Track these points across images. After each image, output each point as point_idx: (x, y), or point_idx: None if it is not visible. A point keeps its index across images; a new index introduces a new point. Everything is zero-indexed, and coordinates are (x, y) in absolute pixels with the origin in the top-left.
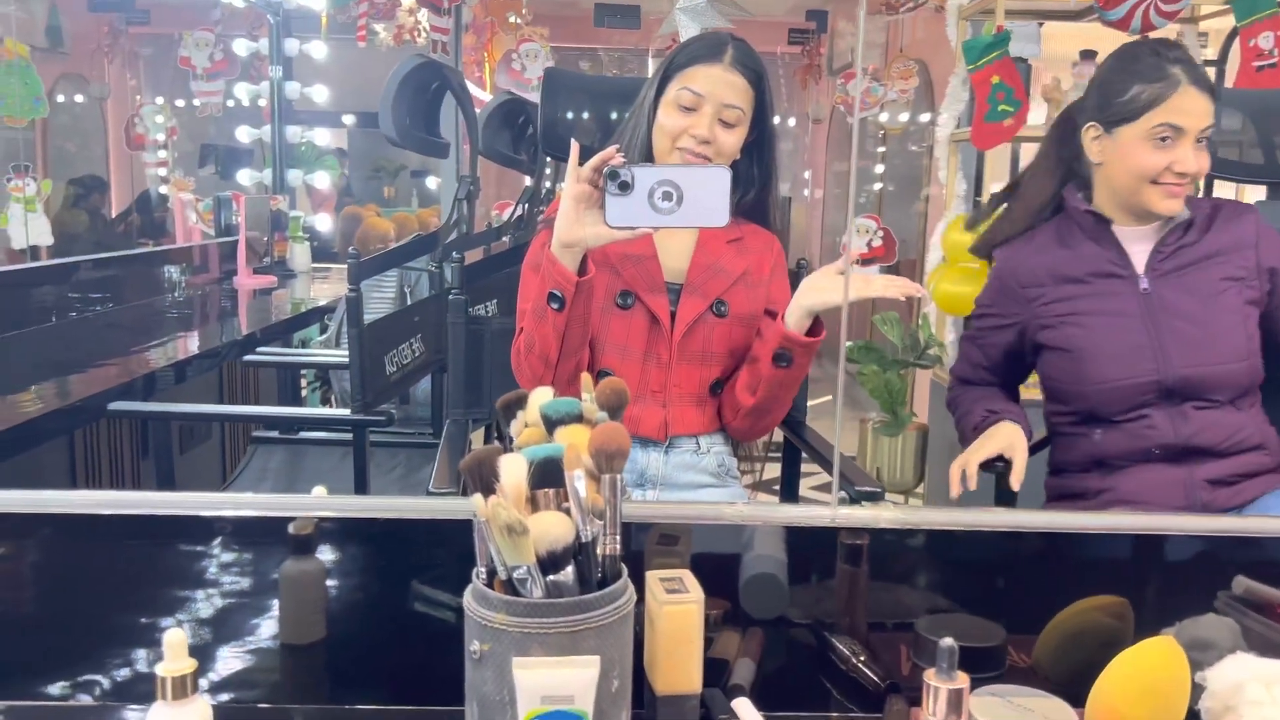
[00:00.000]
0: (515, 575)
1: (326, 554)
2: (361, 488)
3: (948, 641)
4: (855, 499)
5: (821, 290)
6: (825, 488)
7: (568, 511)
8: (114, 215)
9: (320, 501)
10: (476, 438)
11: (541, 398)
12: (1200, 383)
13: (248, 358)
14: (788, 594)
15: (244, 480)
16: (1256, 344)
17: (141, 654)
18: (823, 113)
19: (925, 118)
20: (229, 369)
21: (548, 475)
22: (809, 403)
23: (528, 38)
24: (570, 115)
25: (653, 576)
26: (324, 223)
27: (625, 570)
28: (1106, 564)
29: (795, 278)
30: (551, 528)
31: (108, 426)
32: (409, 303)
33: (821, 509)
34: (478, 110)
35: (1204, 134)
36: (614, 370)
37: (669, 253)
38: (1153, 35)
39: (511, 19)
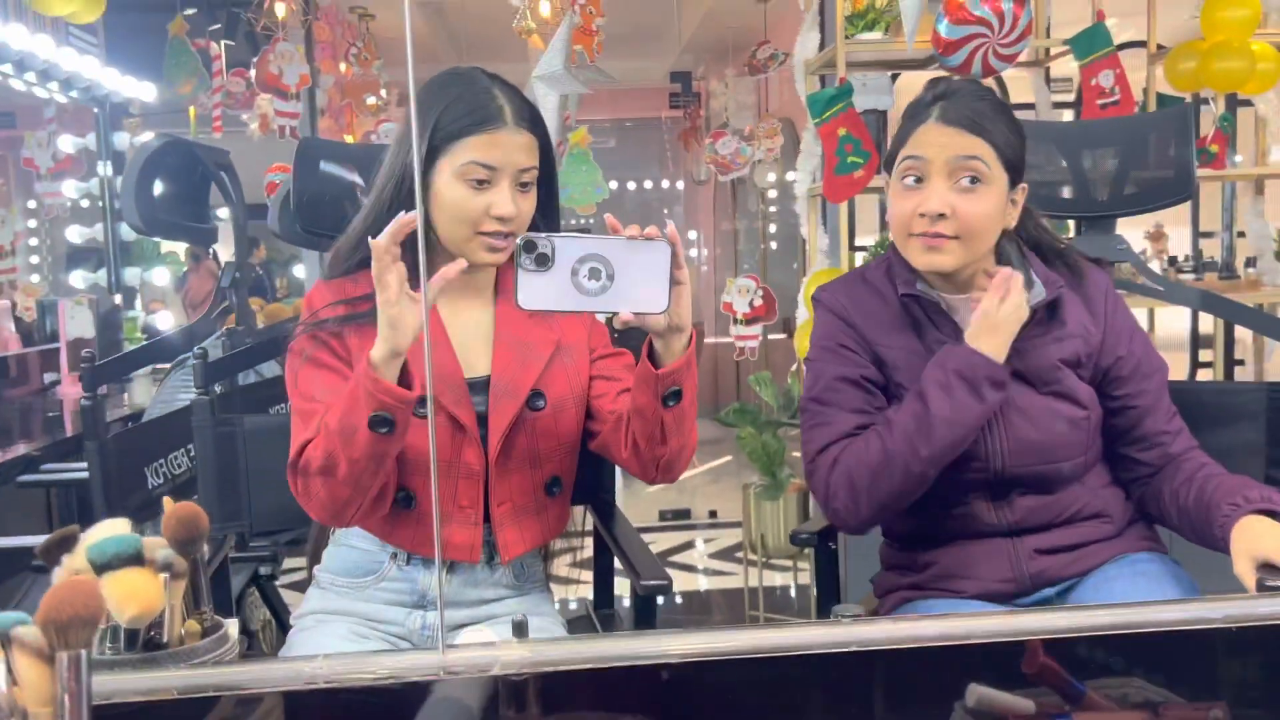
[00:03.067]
0: None
1: None
2: None
3: None
4: (643, 593)
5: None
6: (726, 553)
7: None
8: None
9: None
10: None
11: (96, 534)
12: (1029, 479)
13: (24, 478)
14: None
15: None
16: (1096, 434)
17: None
18: (706, 174)
19: (792, 176)
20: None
21: None
22: (703, 466)
23: (389, 118)
24: (329, 188)
25: None
26: (165, 321)
27: None
28: (813, 683)
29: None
30: None
31: None
32: None
33: (428, 656)
34: None
35: (959, 168)
36: (416, 491)
37: (464, 340)
38: (994, 78)
39: (370, 100)
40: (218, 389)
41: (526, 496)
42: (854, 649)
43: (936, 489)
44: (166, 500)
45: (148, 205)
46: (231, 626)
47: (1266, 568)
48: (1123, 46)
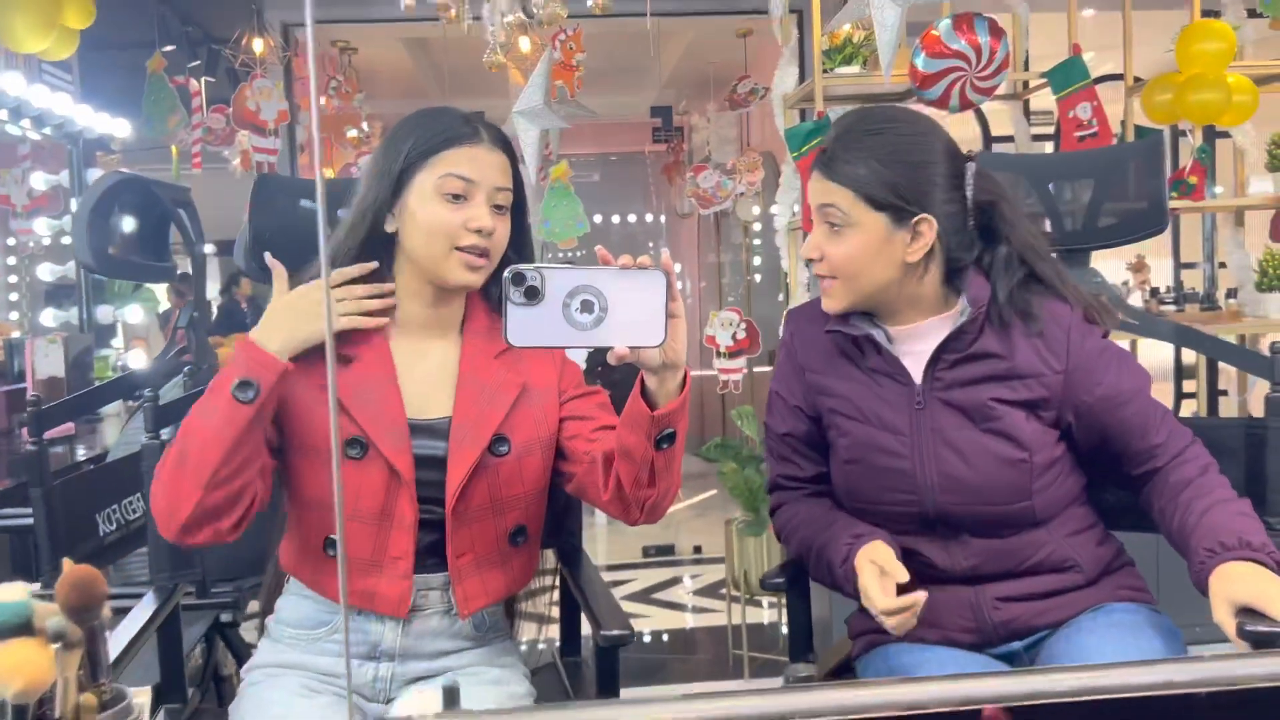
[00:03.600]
0: None
1: None
2: None
3: None
4: (603, 644)
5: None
6: (711, 589)
7: None
8: None
9: None
10: None
11: None
12: (971, 521)
13: None
14: None
15: None
16: (1047, 477)
17: None
18: (689, 207)
19: (775, 209)
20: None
21: None
22: (688, 500)
23: (369, 151)
24: (284, 222)
25: None
26: (137, 359)
27: None
28: None
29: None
30: None
31: None
32: None
33: None
34: None
35: (821, 214)
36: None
37: (418, 380)
38: (970, 110)
39: (350, 133)
40: None
41: (489, 546)
42: None
43: (876, 523)
44: (66, 562)
45: (100, 243)
46: (139, 695)
47: (1245, 612)
48: (1100, 79)
